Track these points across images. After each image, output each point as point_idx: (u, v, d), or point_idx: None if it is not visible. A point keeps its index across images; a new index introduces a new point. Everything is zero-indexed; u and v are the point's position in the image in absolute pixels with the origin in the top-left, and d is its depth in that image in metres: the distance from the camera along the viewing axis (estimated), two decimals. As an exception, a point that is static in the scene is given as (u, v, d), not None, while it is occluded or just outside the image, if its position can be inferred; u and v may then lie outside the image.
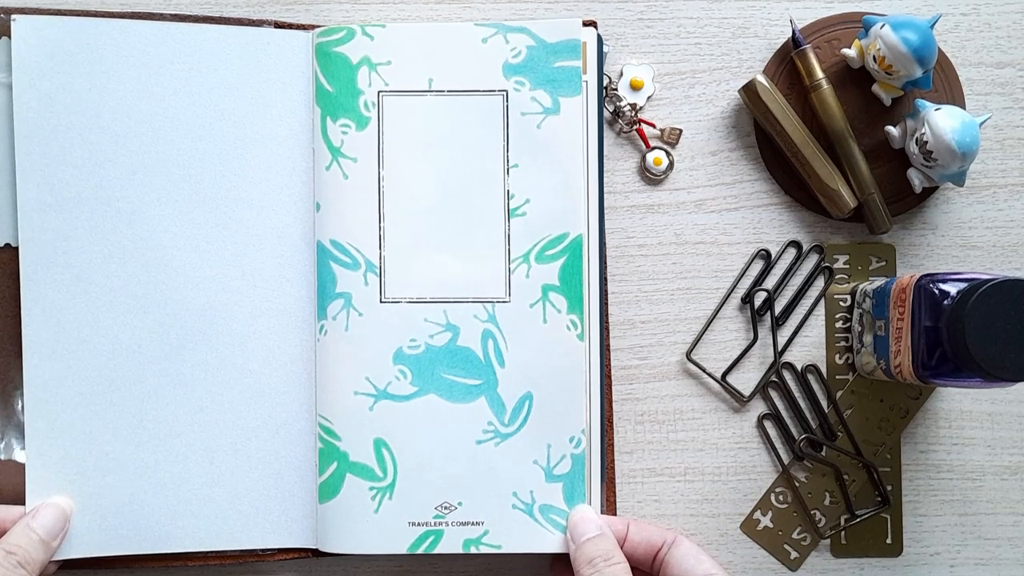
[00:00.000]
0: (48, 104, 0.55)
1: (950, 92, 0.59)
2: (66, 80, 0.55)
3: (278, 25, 0.57)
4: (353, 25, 0.56)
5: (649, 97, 0.60)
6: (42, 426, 0.55)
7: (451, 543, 0.55)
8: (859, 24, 0.58)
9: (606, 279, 0.59)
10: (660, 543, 0.54)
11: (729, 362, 0.60)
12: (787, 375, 0.60)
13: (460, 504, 0.55)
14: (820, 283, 0.60)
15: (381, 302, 0.56)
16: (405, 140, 0.56)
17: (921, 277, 0.52)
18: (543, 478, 0.55)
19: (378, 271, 0.56)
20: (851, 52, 0.58)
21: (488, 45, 0.56)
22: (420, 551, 0.55)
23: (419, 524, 0.55)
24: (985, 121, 0.56)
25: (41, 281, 0.55)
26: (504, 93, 0.56)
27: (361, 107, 0.56)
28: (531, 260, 0.56)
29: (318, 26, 0.57)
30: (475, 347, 0.56)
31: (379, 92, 0.56)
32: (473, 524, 0.55)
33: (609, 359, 0.59)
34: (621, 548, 0.53)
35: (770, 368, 0.60)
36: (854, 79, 0.59)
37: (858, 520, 0.59)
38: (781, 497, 0.60)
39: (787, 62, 0.60)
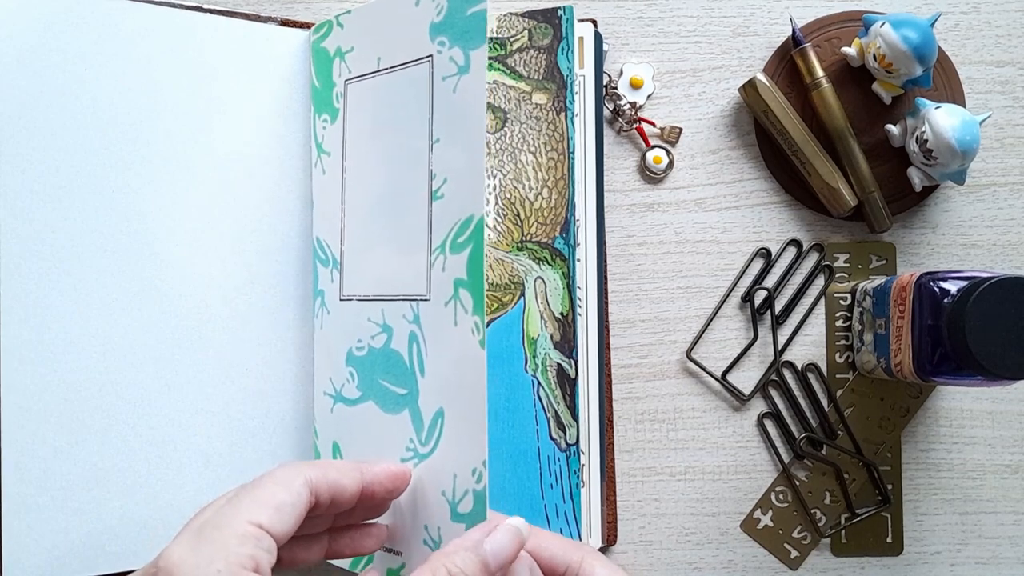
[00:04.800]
0: (39, 83, 0.51)
1: (950, 90, 0.59)
2: (61, 58, 0.51)
3: (284, 23, 0.57)
4: (331, 17, 0.55)
5: (649, 96, 0.60)
6: (21, 437, 0.50)
7: (379, 570, 0.50)
8: (859, 22, 0.58)
9: (606, 278, 0.59)
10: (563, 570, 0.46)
11: (729, 361, 0.60)
12: (787, 374, 0.60)
13: (388, 527, 0.49)
14: (820, 282, 0.60)
15: (340, 300, 0.53)
16: (361, 127, 0.52)
17: (921, 275, 0.52)
18: (448, 515, 0.46)
19: (340, 268, 0.53)
20: (851, 50, 0.58)
21: (419, 8, 0.49)
22: (359, 571, 0.51)
23: None
24: (985, 119, 0.56)
25: (23, 276, 0.51)
26: (430, 59, 0.49)
27: (334, 99, 0.54)
28: (446, 250, 0.47)
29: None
30: (403, 351, 0.49)
31: (345, 81, 0.53)
32: (395, 553, 0.49)
33: (609, 358, 0.59)
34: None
35: (770, 367, 0.60)
36: (854, 77, 0.59)
37: (858, 519, 0.59)
38: (781, 496, 0.60)
39: (787, 60, 0.59)
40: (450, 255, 0.47)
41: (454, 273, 0.46)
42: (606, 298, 0.59)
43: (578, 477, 0.55)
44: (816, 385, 0.60)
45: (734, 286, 0.60)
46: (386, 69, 0.51)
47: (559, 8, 0.56)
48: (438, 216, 0.48)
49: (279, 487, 0.41)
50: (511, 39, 0.56)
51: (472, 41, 0.46)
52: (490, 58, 0.56)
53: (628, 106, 0.59)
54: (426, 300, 0.48)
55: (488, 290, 0.56)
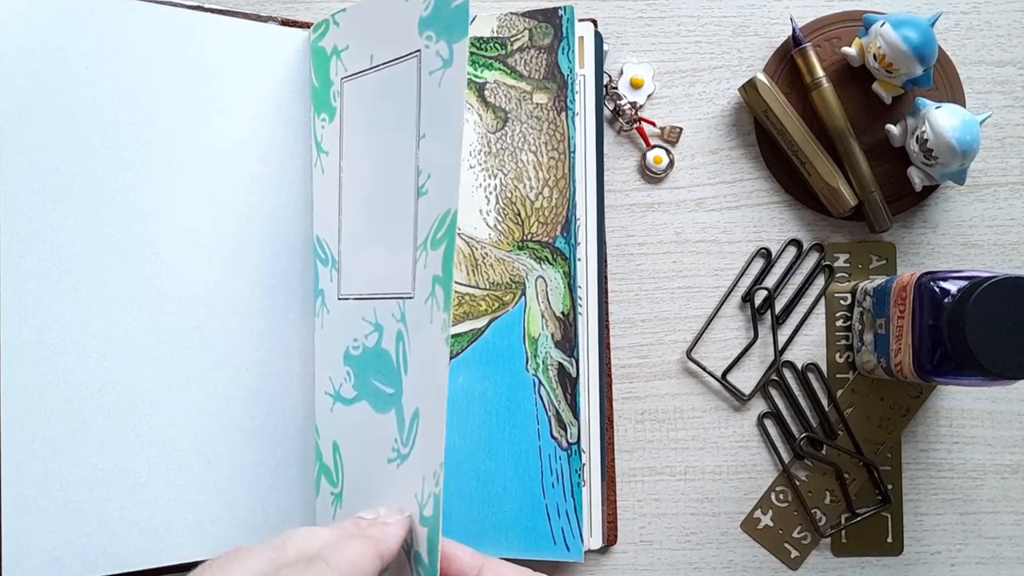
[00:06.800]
0: (40, 82, 0.50)
1: (950, 90, 0.59)
2: (61, 58, 0.51)
3: (284, 23, 0.57)
4: (329, 17, 0.54)
5: (649, 95, 0.60)
6: (21, 437, 0.50)
7: None
8: (859, 22, 0.58)
9: (606, 277, 0.59)
10: None
11: (729, 361, 0.60)
12: (787, 374, 0.60)
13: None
14: (820, 281, 0.60)
15: (339, 299, 0.53)
16: (356, 125, 0.52)
17: (922, 275, 0.52)
18: (418, 519, 0.44)
19: (338, 267, 0.53)
20: (851, 50, 0.58)
21: (409, 4, 0.48)
22: None
23: None
24: (985, 119, 0.56)
25: (23, 275, 0.50)
26: (418, 54, 0.48)
27: (331, 98, 0.54)
28: (428, 247, 0.46)
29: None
30: (391, 350, 0.48)
31: (341, 79, 0.53)
32: None
33: (609, 357, 0.59)
34: None
35: (770, 367, 0.60)
36: (854, 77, 0.59)
37: (859, 519, 0.59)
38: (781, 496, 0.60)
39: (787, 60, 0.59)
40: (431, 251, 0.46)
41: (433, 269, 0.45)
42: (606, 297, 0.59)
43: (579, 476, 0.55)
44: (816, 385, 0.60)
45: (734, 286, 0.60)
46: (379, 66, 0.50)
47: (559, 8, 0.56)
48: (423, 213, 0.46)
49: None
50: (512, 39, 0.56)
51: (455, 34, 0.45)
52: (490, 58, 0.56)
53: (628, 106, 0.59)
54: (410, 298, 0.47)
55: (489, 289, 0.56)
